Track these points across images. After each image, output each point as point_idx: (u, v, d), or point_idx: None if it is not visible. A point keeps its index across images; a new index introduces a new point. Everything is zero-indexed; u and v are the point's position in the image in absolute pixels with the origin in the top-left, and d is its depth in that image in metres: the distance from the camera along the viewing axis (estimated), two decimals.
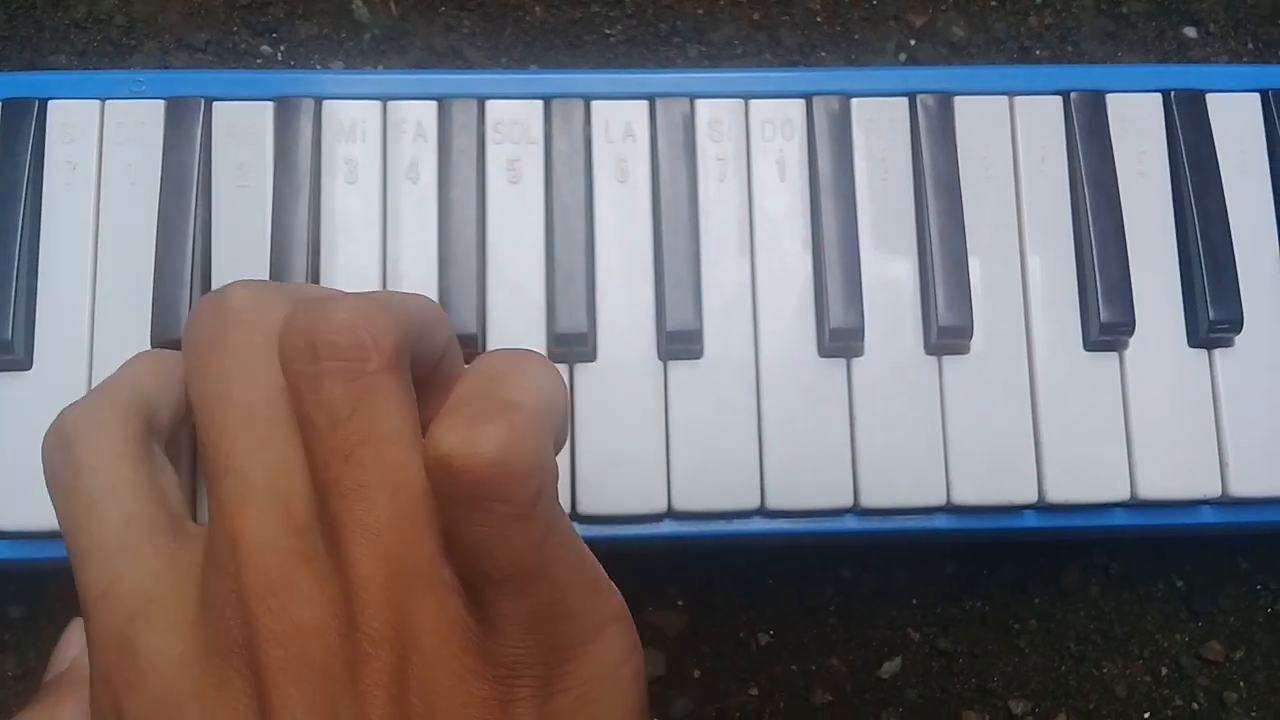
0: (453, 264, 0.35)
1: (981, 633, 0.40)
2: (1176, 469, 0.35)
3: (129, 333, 0.34)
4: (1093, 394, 0.35)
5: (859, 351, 0.35)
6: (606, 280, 0.36)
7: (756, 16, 0.43)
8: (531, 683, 0.20)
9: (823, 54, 0.43)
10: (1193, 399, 0.36)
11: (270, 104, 0.36)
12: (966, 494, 0.35)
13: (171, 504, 0.23)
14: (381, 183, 0.36)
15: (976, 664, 0.39)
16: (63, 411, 0.23)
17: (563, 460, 0.34)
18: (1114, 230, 0.36)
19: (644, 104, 0.37)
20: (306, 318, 0.21)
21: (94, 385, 0.29)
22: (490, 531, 0.20)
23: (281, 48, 0.43)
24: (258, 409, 0.22)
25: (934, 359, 0.36)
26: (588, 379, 0.35)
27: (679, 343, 0.35)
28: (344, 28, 0.43)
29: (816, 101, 0.37)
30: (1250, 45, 0.44)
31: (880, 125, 0.37)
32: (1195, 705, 0.39)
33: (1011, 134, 0.37)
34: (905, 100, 0.37)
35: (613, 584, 0.23)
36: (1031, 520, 0.35)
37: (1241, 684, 0.40)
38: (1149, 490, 0.35)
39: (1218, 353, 0.36)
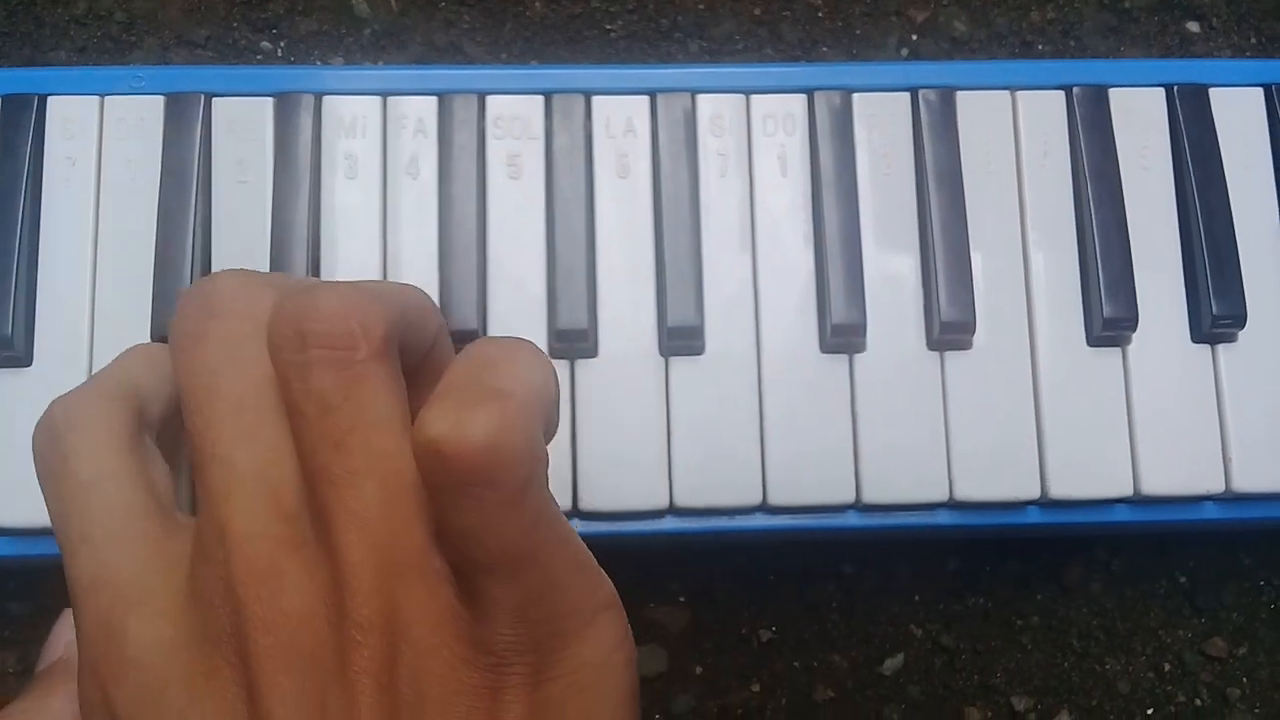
0: (453, 260, 0.35)
1: (984, 629, 0.40)
2: (1179, 464, 0.35)
3: (129, 329, 0.34)
4: (1095, 389, 0.35)
5: (861, 347, 0.35)
6: (607, 276, 0.36)
7: (758, 12, 0.43)
8: (522, 670, 0.20)
9: (824, 49, 0.43)
10: (1196, 394, 0.36)
11: (270, 100, 0.36)
12: (969, 490, 0.35)
13: (161, 494, 0.23)
14: (382, 178, 0.36)
15: (979, 660, 0.39)
16: (53, 402, 0.23)
17: (564, 457, 0.34)
18: (1117, 225, 0.36)
19: (645, 99, 0.37)
20: (295, 306, 0.21)
21: None
22: (479, 518, 0.20)
23: (281, 43, 0.43)
24: (246, 398, 0.22)
25: (936, 354, 0.35)
26: (589, 375, 0.35)
27: (680, 339, 0.35)
28: (344, 23, 0.43)
29: (818, 96, 0.37)
30: (1253, 40, 0.44)
31: (882, 120, 0.37)
32: (1198, 701, 0.39)
33: (1014, 129, 0.37)
34: (907, 95, 0.37)
35: (604, 572, 0.22)
36: (1034, 516, 0.35)
37: (1244, 680, 0.40)
38: (1152, 486, 0.35)
39: (1221, 348, 0.36)
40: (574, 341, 0.35)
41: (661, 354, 0.35)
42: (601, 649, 0.21)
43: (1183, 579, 0.40)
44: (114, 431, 0.23)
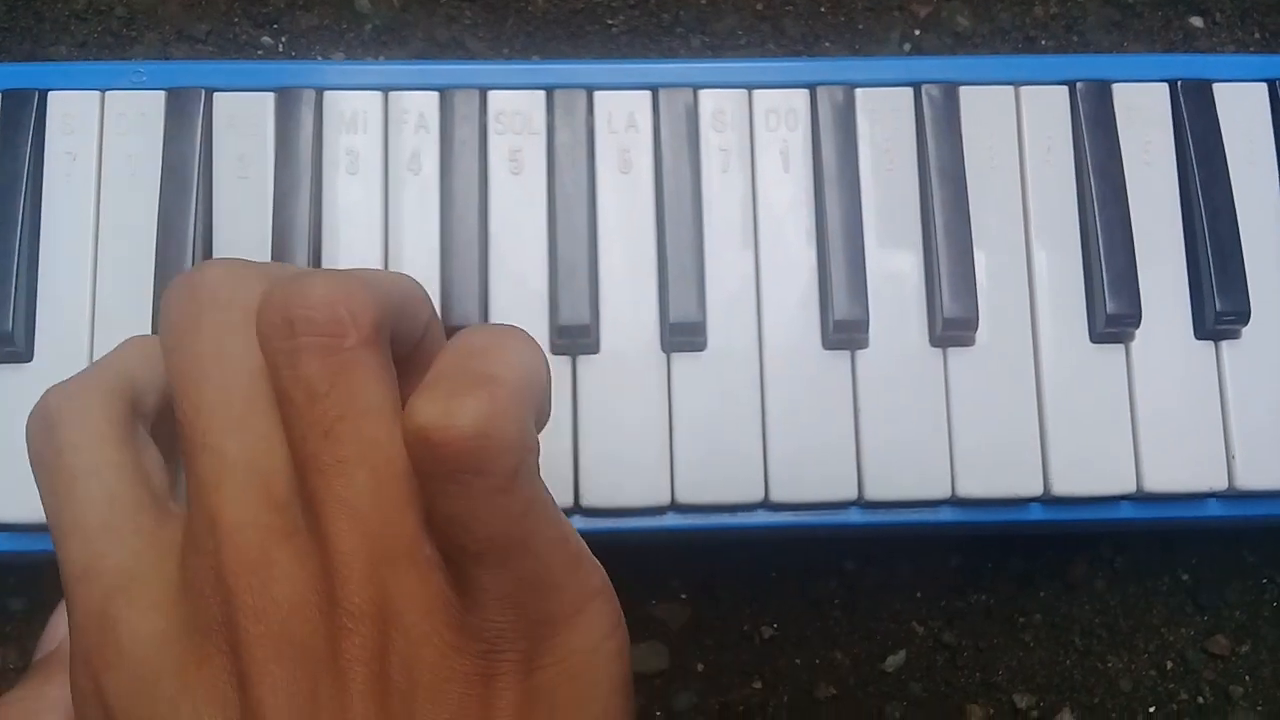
0: (454, 255, 0.35)
1: (986, 626, 0.40)
2: (1183, 462, 0.35)
3: (130, 325, 0.34)
4: (1098, 386, 0.35)
5: (863, 343, 0.35)
6: (609, 272, 0.35)
7: (760, 6, 0.43)
8: (514, 657, 0.20)
9: (827, 44, 0.43)
10: (1199, 391, 0.35)
11: (271, 95, 0.36)
12: (971, 487, 0.34)
13: (154, 484, 0.23)
14: (383, 174, 0.36)
15: (981, 658, 0.39)
16: (47, 392, 0.23)
17: (565, 454, 0.34)
18: (1120, 221, 0.36)
19: (647, 94, 0.37)
20: (284, 294, 0.21)
21: None
22: (469, 505, 0.20)
23: (282, 38, 0.42)
24: (235, 387, 0.22)
25: (939, 351, 0.35)
26: (590, 371, 0.35)
27: (682, 335, 0.35)
28: (345, 18, 0.43)
29: (821, 92, 0.37)
30: (1257, 35, 0.44)
31: (885, 116, 0.37)
32: (1201, 699, 0.39)
33: (1017, 124, 0.37)
34: (910, 90, 0.37)
35: (596, 561, 0.22)
36: (1037, 513, 0.35)
37: (1247, 678, 0.40)
38: (1155, 483, 0.35)
39: (1224, 345, 0.36)
40: (575, 337, 0.35)
41: (663, 350, 0.35)
42: (593, 636, 0.21)
43: (1185, 576, 0.40)
44: (108, 422, 0.23)
